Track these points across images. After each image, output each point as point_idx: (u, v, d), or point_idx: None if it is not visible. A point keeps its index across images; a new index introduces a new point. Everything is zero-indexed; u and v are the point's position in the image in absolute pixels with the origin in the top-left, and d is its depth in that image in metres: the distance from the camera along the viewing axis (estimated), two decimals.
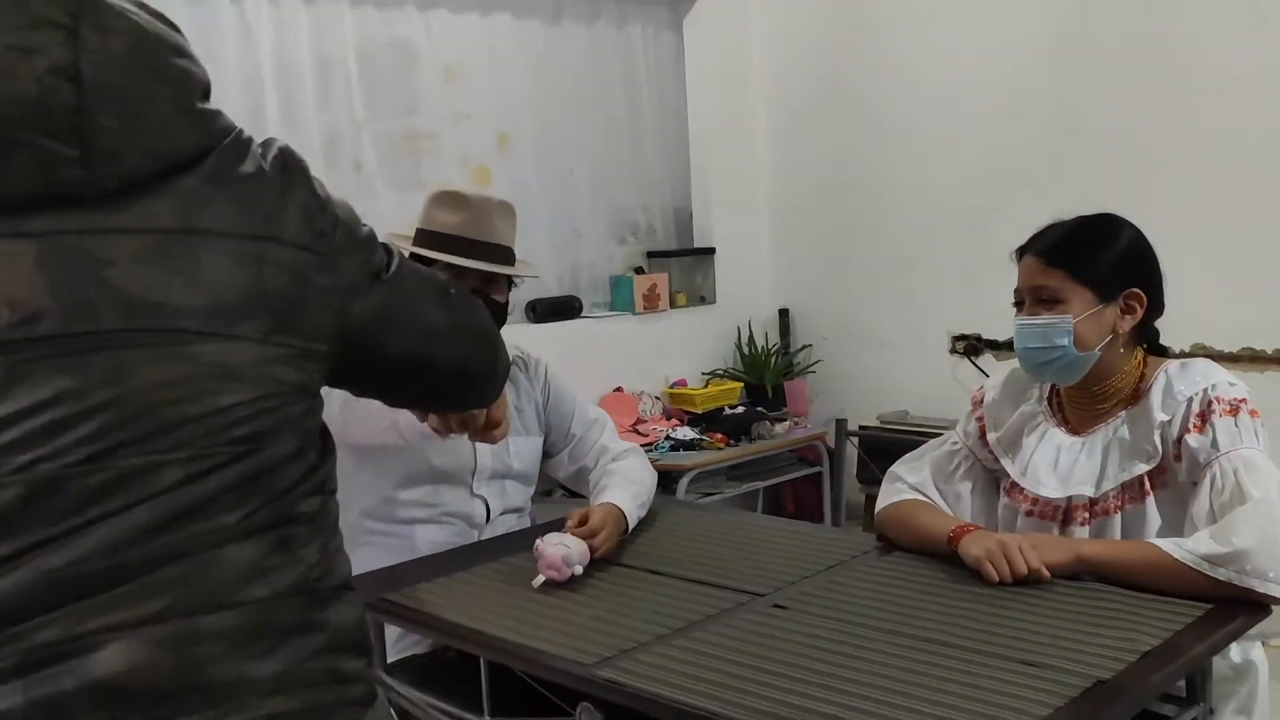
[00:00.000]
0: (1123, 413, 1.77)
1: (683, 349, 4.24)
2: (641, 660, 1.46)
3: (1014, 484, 1.84)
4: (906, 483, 1.96)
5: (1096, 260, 1.74)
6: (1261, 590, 1.51)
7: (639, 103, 4.22)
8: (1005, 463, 1.87)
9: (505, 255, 2.09)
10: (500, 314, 2.12)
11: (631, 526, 2.02)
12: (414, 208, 3.57)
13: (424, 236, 2.09)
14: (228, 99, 3.12)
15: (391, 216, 3.49)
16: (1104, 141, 3.52)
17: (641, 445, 3.64)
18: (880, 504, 1.97)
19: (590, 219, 4.09)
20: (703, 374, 4.28)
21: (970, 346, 3.95)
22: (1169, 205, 3.18)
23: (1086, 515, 1.75)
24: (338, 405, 1.90)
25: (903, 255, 4.08)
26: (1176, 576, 1.56)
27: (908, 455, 2.03)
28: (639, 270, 4.18)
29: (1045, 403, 1.88)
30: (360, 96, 3.43)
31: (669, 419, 3.97)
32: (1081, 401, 1.82)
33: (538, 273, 2.21)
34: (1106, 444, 1.76)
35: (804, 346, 4.42)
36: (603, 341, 4.00)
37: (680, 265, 4.34)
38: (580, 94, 4.01)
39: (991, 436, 1.91)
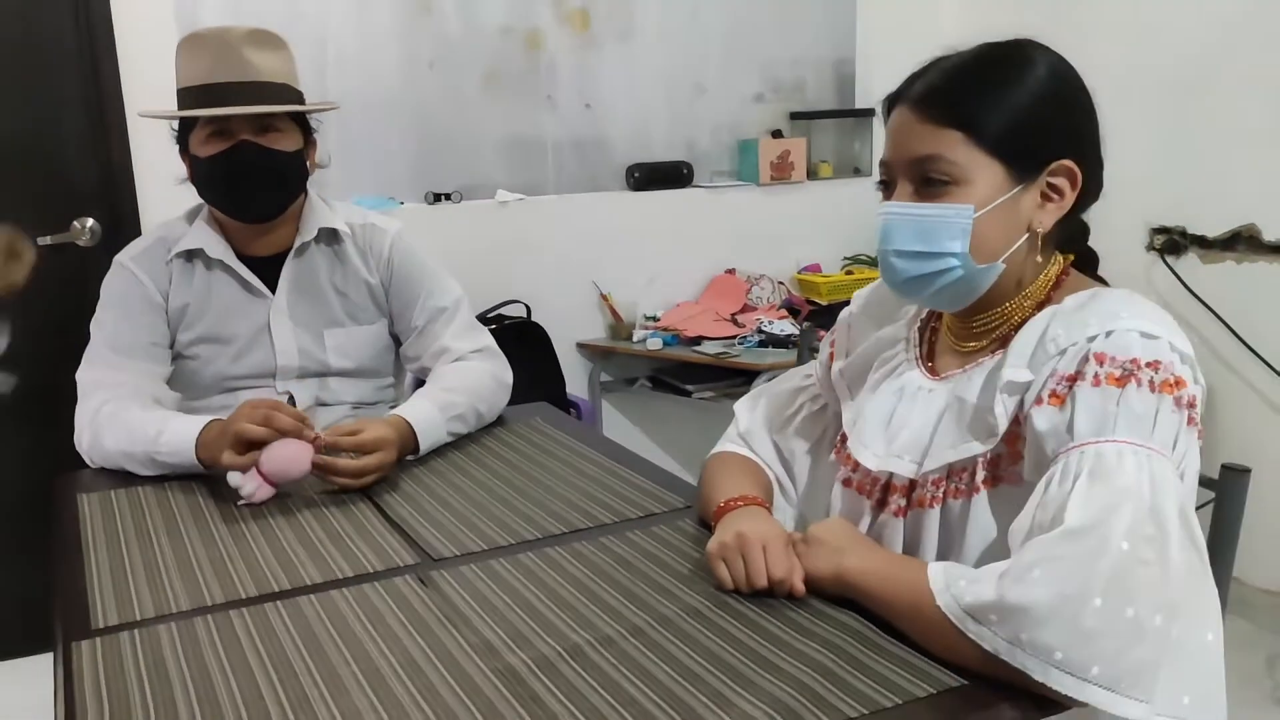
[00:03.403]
0: (988, 358, 1.15)
1: (822, 228, 3.63)
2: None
3: (843, 436, 1.28)
4: (737, 427, 1.43)
5: (1010, 110, 1.10)
6: (1040, 678, 0.91)
7: None
8: (843, 405, 1.30)
9: (269, 93, 1.72)
10: (292, 167, 1.77)
11: (428, 447, 1.65)
12: (494, 58, 3.26)
13: (178, 98, 1.75)
14: None
15: (472, 65, 3.19)
16: None
17: (729, 337, 3.22)
18: (712, 451, 1.46)
19: (719, 71, 3.53)
20: (844, 259, 3.66)
21: (1171, 243, 3.05)
22: None
23: (903, 503, 1.17)
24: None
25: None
26: (935, 630, 0.98)
27: (759, 387, 1.49)
28: (777, 134, 3.60)
29: (917, 326, 1.28)
30: None
31: (783, 310, 3.43)
32: (956, 330, 1.21)
33: (330, 105, 1.84)
34: (948, 402, 1.15)
35: None
36: (717, 215, 3.50)
37: (831, 129, 3.69)
38: None
39: (837, 366, 1.34)
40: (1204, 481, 1.14)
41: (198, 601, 1.20)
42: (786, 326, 3.22)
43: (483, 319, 3.10)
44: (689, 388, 3.23)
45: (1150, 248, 3.11)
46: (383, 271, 1.89)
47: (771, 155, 3.49)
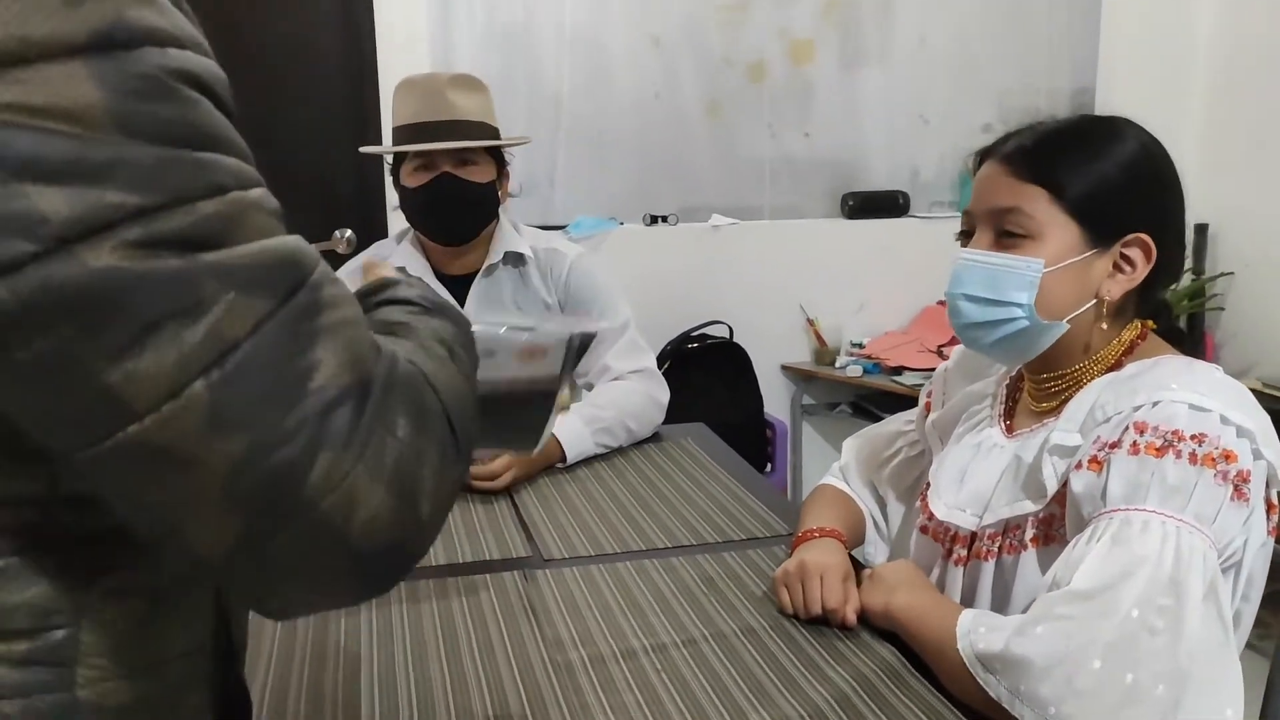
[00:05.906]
0: (1053, 419, 1.17)
1: None
2: None
3: (928, 485, 1.32)
4: (841, 462, 1.50)
5: (1095, 177, 1.12)
6: None
7: None
8: (934, 455, 1.34)
9: (469, 131, 1.92)
10: (487, 196, 1.96)
11: (574, 456, 1.81)
12: (717, 89, 3.38)
13: (393, 135, 1.99)
14: None
15: (696, 96, 3.34)
16: None
17: (930, 369, 3.20)
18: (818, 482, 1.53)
19: (946, 99, 3.50)
20: None
21: None
22: None
23: (964, 553, 1.20)
24: None
25: None
26: (955, 672, 1.03)
27: (870, 426, 1.54)
28: None
29: (1005, 384, 1.30)
30: None
31: None
32: (1032, 390, 1.24)
33: (521, 140, 2.03)
34: (1011, 461, 1.18)
35: (1222, 274, 3.43)
36: (933, 245, 3.44)
37: None
38: None
39: (930, 418, 1.38)
40: None
41: None
42: None
43: (685, 338, 3.25)
44: (886, 416, 3.23)
45: None
46: (560, 292, 2.07)
47: None
